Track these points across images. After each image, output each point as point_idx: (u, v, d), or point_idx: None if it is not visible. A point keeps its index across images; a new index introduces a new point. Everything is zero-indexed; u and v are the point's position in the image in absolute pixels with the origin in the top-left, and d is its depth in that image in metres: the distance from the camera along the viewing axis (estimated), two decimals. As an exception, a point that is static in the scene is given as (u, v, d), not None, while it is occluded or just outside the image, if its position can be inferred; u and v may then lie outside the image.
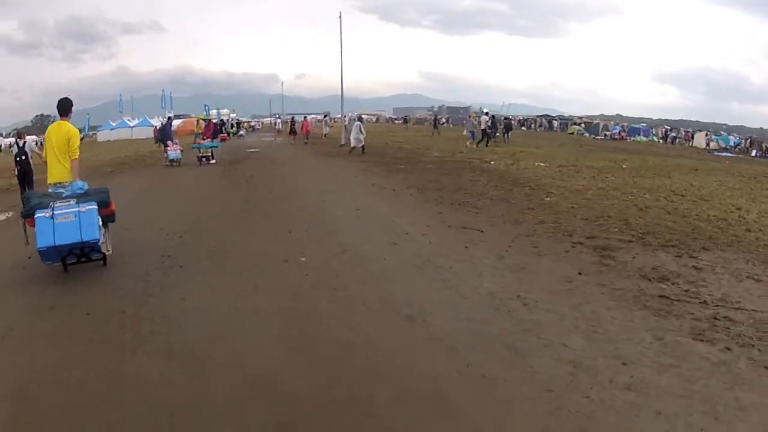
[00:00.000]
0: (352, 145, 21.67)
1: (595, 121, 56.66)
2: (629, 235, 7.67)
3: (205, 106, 62.45)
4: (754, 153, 40.57)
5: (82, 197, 6.05)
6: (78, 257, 6.04)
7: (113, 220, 6.67)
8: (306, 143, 30.33)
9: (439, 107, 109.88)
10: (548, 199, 10.70)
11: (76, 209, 5.78)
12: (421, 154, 22.13)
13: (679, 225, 8.38)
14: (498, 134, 29.63)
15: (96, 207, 5.93)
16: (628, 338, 4.32)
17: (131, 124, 56.63)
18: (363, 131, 22.04)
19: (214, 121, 26.43)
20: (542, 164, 17.75)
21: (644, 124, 58.17)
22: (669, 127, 54.29)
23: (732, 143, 44.35)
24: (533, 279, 5.77)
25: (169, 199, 12.09)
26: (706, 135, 46.52)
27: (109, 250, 6.45)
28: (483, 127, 26.96)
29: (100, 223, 6.00)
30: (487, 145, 25.85)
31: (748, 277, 5.85)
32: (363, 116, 36.95)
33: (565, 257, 6.62)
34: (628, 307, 4.98)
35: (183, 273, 6.12)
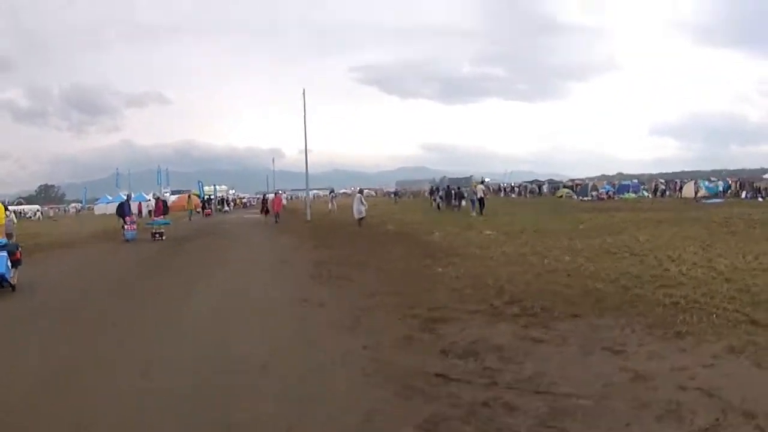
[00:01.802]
0: (356, 217, 22.57)
1: (585, 183, 56.52)
2: (486, 305, 7.10)
3: (199, 182, 63.81)
4: (744, 195, 40.00)
5: (1, 248, 9.66)
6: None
7: (20, 264, 10.12)
8: (277, 222, 27.82)
9: (441, 179, 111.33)
10: (440, 270, 10.22)
11: None
12: (377, 226, 22.24)
13: (570, 289, 7.86)
14: (456, 203, 31.86)
15: (6, 254, 9.50)
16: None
17: (124, 198, 57.56)
18: (364, 203, 23.24)
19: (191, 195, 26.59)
20: (490, 233, 17.26)
21: (635, 181, 58.15)
22: (663, 181, 54.02)
23: (720, 188, 44.03)
24: (309, 353, 5.51)
25: (90, 268, 13.81)
26: (695, 184, 45.77)
27: (14, 282, 9.79)
28: (480, 195, 28.01)
29: (10, 265, 9.56)
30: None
31: (603, 348, 5.17)
32: (364, 190, 38.20)
33: (378, 331, 6.20)
34: (380, 385, 4.47)
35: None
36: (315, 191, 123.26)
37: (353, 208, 23.35)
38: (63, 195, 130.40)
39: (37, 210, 64.84)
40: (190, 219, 34.50)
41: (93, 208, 59.90)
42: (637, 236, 14.29)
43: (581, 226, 18.36)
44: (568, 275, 8.99)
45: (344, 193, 78.58)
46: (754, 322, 5.70)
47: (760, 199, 36.46)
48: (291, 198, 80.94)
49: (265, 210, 30.27)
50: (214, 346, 5.88)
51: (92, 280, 11.47)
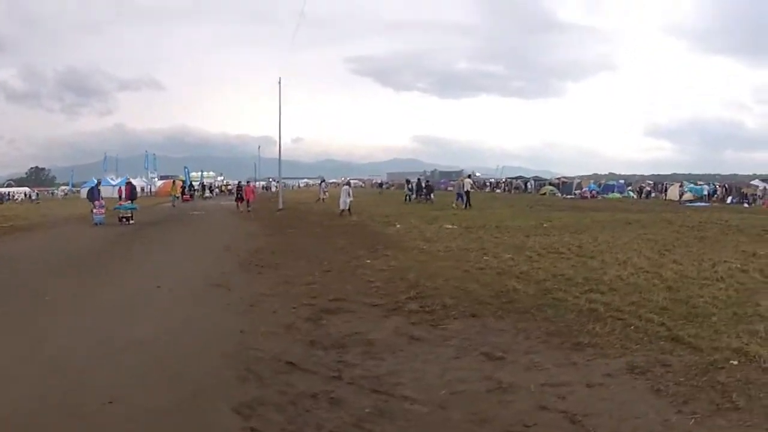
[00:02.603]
0: (341, 207, 22.99)
1: (571, 181, 56.28)
2: (390, 300, 6.99)
3: (185, 168, 63.45)
4: (729, 200, 39.42)
5: None
6: None
7: None
8: (249, 211, 27.47)
9: (432, 172, 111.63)
10: (369, 262, 10.16)
11: None
12: (345, 217, 22.23)
13: (487, 288, 7.56)
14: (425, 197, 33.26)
15: None
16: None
17: (113, 183, 57.21)
18: (351, 195, 23.88)
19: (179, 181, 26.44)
20: (450, 227, 17.14)
21: (622, 181, 57.87)
22: (651, 182, 53.76)
23: (705, 192, 43.29)
24: (186, 334, 5.72)
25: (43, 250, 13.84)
26: (680, 187, 45.33)
27: None
28: (467, 188, 28.95)
29: None
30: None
31: (482, 353, 4.90)
32: (351, 181, 38.74)
33: (265, 317, 6.30)
34: (229, 367, 4.61)
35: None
36: (306, 180, 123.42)
37: (340, 198, 23.88)
38: (54, 178, 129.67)
39: (24, 192, 64.52)
40: (173, 204, 34.50)
41: (80, 192, 59.60)
42: (597, 237, 14.00)
43: (546, 224, 18.09)
44: (498, 273, 8.76)
45: (333, 183, 77.80)
46: (675, 339, 5.14)
47: (745, 205, 35.94)
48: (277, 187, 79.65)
49: (239, 198, 29.50)
50: (113, 322, 6.21)
51: (40, 260, 11.67)
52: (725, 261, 9.86)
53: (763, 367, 4.38)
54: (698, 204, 36.60)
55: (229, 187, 68.67)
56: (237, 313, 6.50)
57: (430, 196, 33.51)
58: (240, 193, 29.36)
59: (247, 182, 32.38)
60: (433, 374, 4.43)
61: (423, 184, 34.98)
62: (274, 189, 68.43)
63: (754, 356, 4.59)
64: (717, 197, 41.42)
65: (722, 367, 4.38)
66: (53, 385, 4.22)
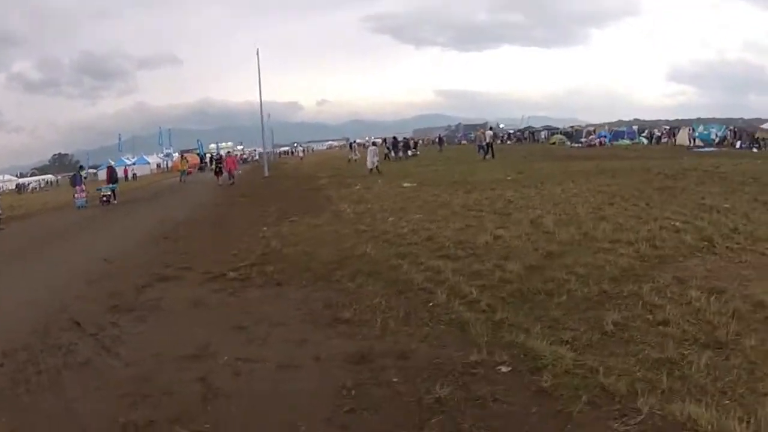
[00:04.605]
0: (368, 167, 24.45)
1: (581, 128, 55.11)
2: (229, 268, 7.38)
3: (198, 141, 63.69)
4: (738, 145, 37.70)
5: None
6: None
7: None
8: (232, 183, 26.65)
9: (456, 126, 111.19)
10: (265, 229, 10.70)
11: None
12: (315, 179, 23.24)
13: (335, 254, 7.72)
14: (402, 154, 35.79)
15: None
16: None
17: (128, 162, 58.32)
18: (377, 155, 25.76)
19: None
20: (407, 185, 17.39)
21: (635, 127, 55.74)
22: (667, 127, 51.83)
23: (714, 137, 41.51)
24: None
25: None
26: (689, 131, 43.50)
27: None
28: (488, 140, 31.95)
29: None
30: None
31: (234, 327, 5.01)
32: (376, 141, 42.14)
33: (106, 284, 7.07)
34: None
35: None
36: (330, 142, 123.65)
37: (367, 158, 25.38)
38: (77, 162, 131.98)
39: (47, 180, 66.13)
40: (180, 180, 33.42)
41: (96, 174, 60.55)
42: (545, 190, 13.71)
43: (510, 177, 17.96)
44: (373, 237, 8.82)
45: (357, 143, 77.29)
46: (456, 324, 4.66)
47: (755, 150, 34.16)
48: (305, 150, 77.05)
49: (217, 171, 28.24)
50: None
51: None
52: (667, 218, 9.08)
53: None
54: (706, 149, 35.21)
55: (245, 157, 68.29)
56: (88, 282, 7.25)
57: (405, 153, 36.06)
58: (219, 166, 28.36)
59: (227, 153, 32.18)
60: (164, 339, 4.83)
61: (400, 142, 37.97)
62: (300, 154, 67.57)
63: (528, 355, 3.96)
64: (727, 142, 39.76)
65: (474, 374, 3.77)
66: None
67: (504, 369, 3.78)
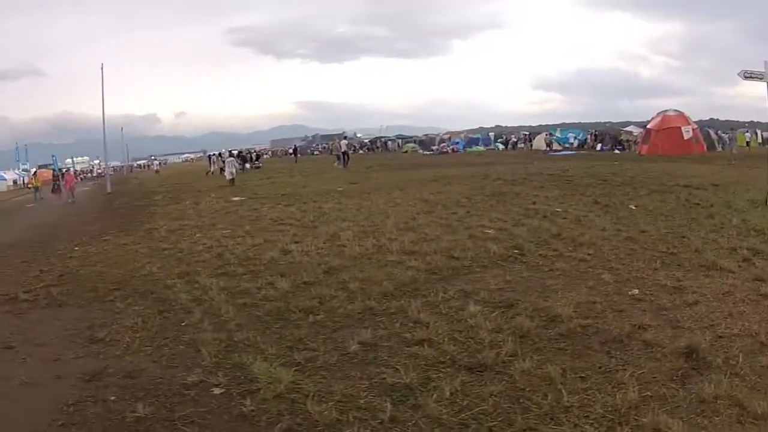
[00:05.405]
0: (227, 177, 25.52)
1: (432, 137, 59.07)
2: (20, 287, 7.58)
3: (53, 156, 60.06)
4: (599, 147, 40.05)
5: None
6: None
7: None
8: (72, 201, 25.71)
9: (313, 136, 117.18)
10: (77, 248, 10.84)
11: None
12: (149, 195, 23.50)
13: (118, 274, 7.90)
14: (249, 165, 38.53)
15: None
16: None
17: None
18: (235, 166, 27.21)
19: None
20: (235, 199, 18.21)
21: (492, 134, 60.47)
22: (526, 133, 55.59)
23: (572, 141, 44.57)
24: None
25: None
26: (547, 135, 46.77)
27: None
28: (344, 149, 33.11)
29: None
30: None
31: None
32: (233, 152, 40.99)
33: None
34: None
35: None
36: (186, 155, 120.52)
37: (226, 170, 26.48)
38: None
39: None
40: (35, 198, 30.93)
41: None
42: (370, 201, 13.97)
43: (340, 189, 18.34)
44: (167, 256, 9.00)
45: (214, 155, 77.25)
46: (199, 346, 4.66)
47: (616, 152, 36.15)
48: (161, 164, 77.29)
49: (55, 189, 27.93)
50: None
51: None
52: (482, 225, 9.15)
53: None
54: (563, 153, 37.09)
55: (100, 172, 65.65)
56: None
57: (243, 166, 37.78)
58: (57, 183, 28.14)
59: (66, 170, 31.14)
60: None
61: (246, 154, 41.51)
62: (156, 167, 67.71)
63: (247, 377, 4.04)
64: (588, 145, 41.99)
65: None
66: None
67: (217, 391, 3.84)
